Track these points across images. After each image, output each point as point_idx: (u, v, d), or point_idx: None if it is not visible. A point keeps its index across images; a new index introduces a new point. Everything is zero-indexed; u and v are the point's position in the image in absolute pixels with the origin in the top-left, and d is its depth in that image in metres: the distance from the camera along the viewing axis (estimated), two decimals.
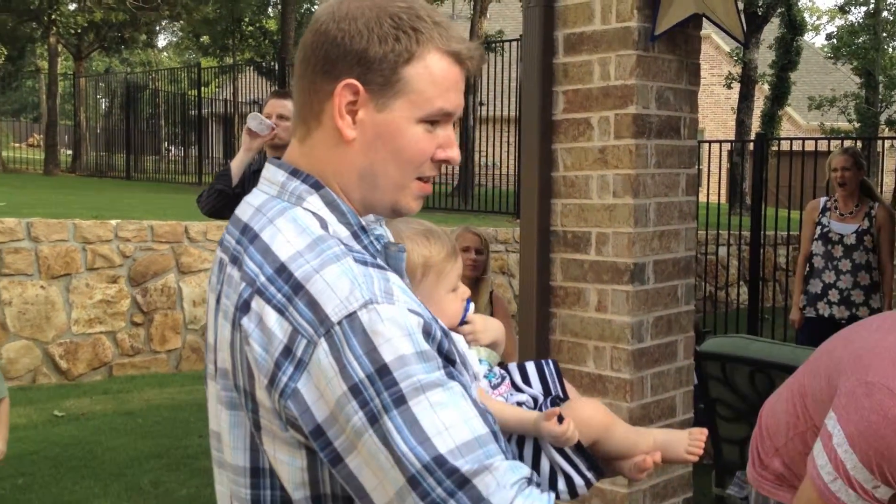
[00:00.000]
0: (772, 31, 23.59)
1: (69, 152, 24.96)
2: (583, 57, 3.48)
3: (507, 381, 1.68)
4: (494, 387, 1.64)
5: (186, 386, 7.64)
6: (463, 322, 1.67)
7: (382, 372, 1.16)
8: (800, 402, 2.11)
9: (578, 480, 1.56)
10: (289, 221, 1.29)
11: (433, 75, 1.31)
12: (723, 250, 11.02)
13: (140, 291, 7.95)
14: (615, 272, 3.39)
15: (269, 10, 28.60)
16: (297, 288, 1.21)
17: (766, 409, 2.31)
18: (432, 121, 1.33)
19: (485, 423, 1.20)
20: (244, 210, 1.38)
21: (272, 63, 22.11)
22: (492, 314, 4.04)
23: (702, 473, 4.08)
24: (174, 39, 40.82)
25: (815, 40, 64.04)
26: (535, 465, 1.57)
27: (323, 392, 1.18)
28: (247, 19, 27.03)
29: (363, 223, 1.35)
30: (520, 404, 1.63)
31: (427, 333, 1.22)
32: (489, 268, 3.81)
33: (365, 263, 1.24)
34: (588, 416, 1.58)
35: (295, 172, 1.35)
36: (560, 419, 1.52)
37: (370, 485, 1.20)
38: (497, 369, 1.68)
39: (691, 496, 3.66)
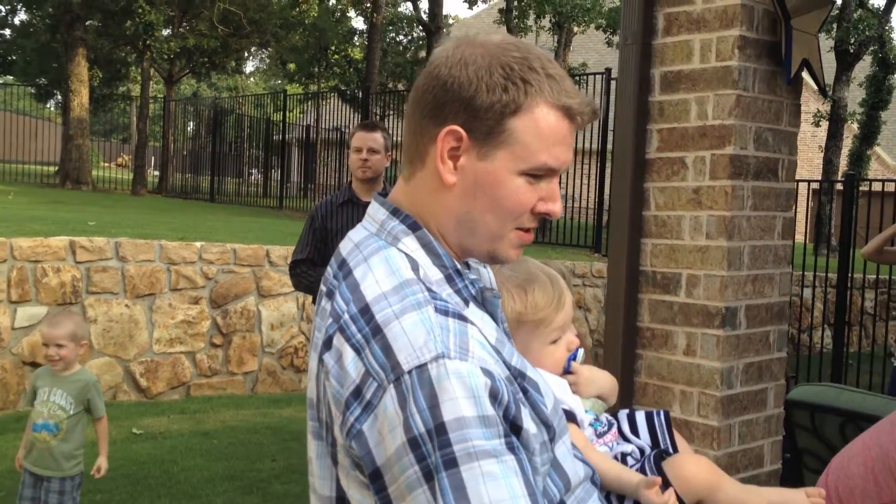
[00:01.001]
0: (863, 69, 23.07)
1: (156, 173, 25.65)
2: (679, 95, 3.41)
3: (615, 429, 1.62)
4: (600, 435, 1.60)
5: (261, 409, 7.71)
6: (567, 372, 1.62)
7: (440, 430, 1.15)
8: (884, 472, 2.00)
9: None
10: (381, 262, 1.30)
11: (539, 129, 1.29)
12: (807, 292, 10.73)
13: (220, 313, 8.06)
14: (706, 315, 3.30)
15: (356, 39, 29.06)
16: (376, 331, 1.22)
17: (835, 467, 2.19)
18: (535, 174, 1.31)
19: None
20: (345, 245, 1.39)
21: (356, 91, 22.42)
22: None
23: None
24: (262, 66, 41.75)
25: None
26: None
27: (385, 438, 1.18)
28: (333, 48, 27.52)
29: (458, 266, 1.34)
30: (625, 455, 1.57)
31: (494, 397, 1.18)
32: None
33: (446, 313, 1.23)
34: (692, 473, 1.52)
35: (395, 212, 1.36)
36: (665, 483, 1.46)
37: None
38: (605, 417, 1.63)
39: None
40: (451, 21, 33.90)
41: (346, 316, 1.26)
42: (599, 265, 10.40)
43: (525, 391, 1.28)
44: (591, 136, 13.28)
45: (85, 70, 20.04)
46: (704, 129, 3.34)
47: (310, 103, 26.28)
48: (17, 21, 26.78)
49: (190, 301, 7.90)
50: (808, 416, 4.04)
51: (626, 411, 1.68)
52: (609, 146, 13.51)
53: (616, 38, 21.82)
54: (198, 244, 8.04)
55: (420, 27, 26.08)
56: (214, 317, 8.04)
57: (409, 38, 29.58)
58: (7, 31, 26.93)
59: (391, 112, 18.79)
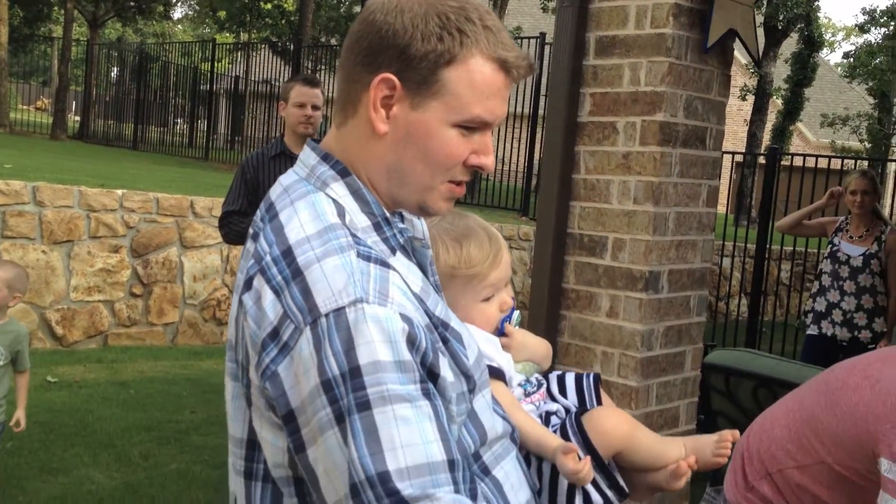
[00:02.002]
0: (789, 46, 23.54)
1: (77, 118, 24.89)
2: (613, 60, 3.43)
3: (543, 389, 1.64)
4: (528, 394, 1.60)
5: (181, 360, 7.61)
6: (501, 334, 1.62)
7: (354, 373, 1.15)
8: (809, 434, 2.05)
9: (596, 498, 1.51)
10: (307, 206, 1.29)
11: (473, 80, 1.28)
12: (726, 261, 10.98)
13: (141, 263, 7.90)
14: (629, 279, 3.35)
15: None
16: (297, 273, 1.21)
17: (757, 429, 2.25)
18: (468, 126, 1.30)
19: (445, 449, 1.17)
20: (275, 189, 1.38)
21: (287, 43, 22.03)
22: None
23: (700, 485, 4.04)
24: (190, 13, 40.70)
25: (830, 57, 63.98)
26: (554, 479, 1.52)
27: (300, 380, 1.17)
28: None
29: (387, 215, 1.34)
30: (550, 413, 1.59)
31: (411, 343, 1.19)
32: None
33: (368, 259, 1.23)
34: (611, 426, 1.53)
35: (326, 157, 1.35)
36: (584, 438, 1.48)
37: (323, 481, 1.19)
38: (535, 377, 1.64)
39: None
40: None
41: (268, 258, 1.26)
42: (527, 228, 10.48)
43: (445, 341, 1.28)
44: (524, 101, 13.33)
45: (5, 8, 19.23)
46: (636, 95, 3.37)
47: (240, 54, 25.75)
48: None
49: (110, 249, 7.72)
50: (723, 380, 4.16)
51: (558, 373, 1.69)
52: (541, 111, 13.56)
53: (551, 4, 21.84)
54: (119, 192, 7.84)
55: None
56: (135, 266, 7.88)
57: None
58: None
59: (323, 67, 18.52)
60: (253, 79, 19.29)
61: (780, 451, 2.11)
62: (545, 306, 3.52)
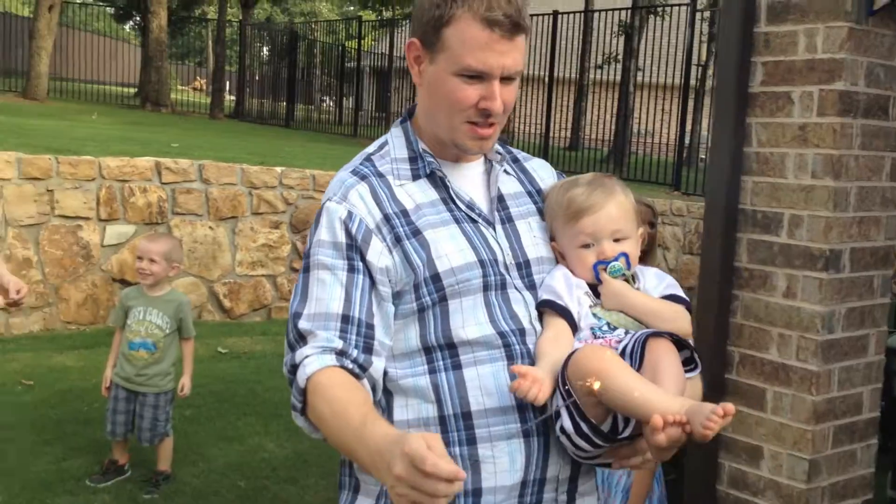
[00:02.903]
0: None
1: (231, 98, 25.82)
2: (787, 27, 3.28)
3: (616, 339, 1.63)
4: (598, 336, 1.65)
5: None
6: (598, 281, 1.71)
7: (312, 245, 1.64)
8: None
9: (567, 424, 1.56)
10: (377, 140, 1.79)
11: (463, 37, 1.59)
12: None
13: (300, 238, 8.16)
14: (808, 257, 3.22)
15: None
16: (332, 180, 1.73)
17: None
18: (468, 74, 1.60)
19: (344, 308, 1.58)
20: None
21: None
22: None
23: (880, 475, 3.87)
24: None
25: None
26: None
27: None
28: None
29: (422, 150, 1.71)
30: None
31: (346, 230, 1.61)
32: (656, 242, 3.64)
33: (355, 174, 1.68)
34: (581, 357, 1.55)
35: (410, 108, 1.80)
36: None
37: None
38: (623, 330, 1.65)
39: (871, 498, 3.47)
40: None
41: None
42: (679, 203, 10.24)
43: (399, 239, 1.62)
44: (673, 71, 12.98)
45: None
46: (813, 63, 3.22)
47: (384, 31, 26.09)
48: None
49: (271, 225, 8.01)
50: None
51: (633, 331, 1.65)
52: (692, 81, 13.18)
53: None
54: (278, 169, 8.11)
55: None
56: (294, 242, 8.14)
57: None
58: None
59: None
60: (398, 55, 19.52)
61: None
62: (716, 285, 3.43)
